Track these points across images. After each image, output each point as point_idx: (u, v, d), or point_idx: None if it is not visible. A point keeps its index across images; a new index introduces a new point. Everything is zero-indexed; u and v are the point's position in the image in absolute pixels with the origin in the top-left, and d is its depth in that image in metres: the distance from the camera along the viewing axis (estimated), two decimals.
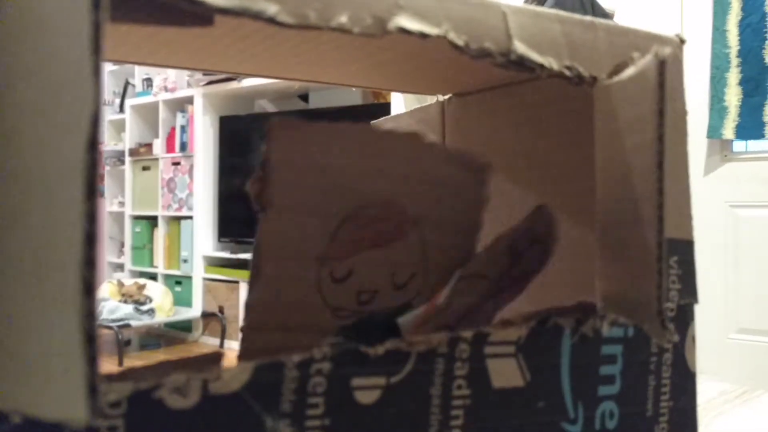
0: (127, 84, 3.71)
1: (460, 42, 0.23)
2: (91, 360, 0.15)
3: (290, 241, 0.28)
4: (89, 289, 0.14)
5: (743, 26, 1.89)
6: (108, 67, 3.71)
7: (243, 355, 0.28)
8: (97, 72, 0.14)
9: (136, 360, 2.87)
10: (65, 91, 0.15)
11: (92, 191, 0.14)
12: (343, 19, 0.21)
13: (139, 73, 3.60)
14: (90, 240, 0.14)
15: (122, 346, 2.76)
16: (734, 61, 1.90)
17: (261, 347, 0.28)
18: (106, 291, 2.97)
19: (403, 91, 0.43)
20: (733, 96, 1.91)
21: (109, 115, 3.74)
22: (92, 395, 0.15)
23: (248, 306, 0.28)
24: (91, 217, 0.14)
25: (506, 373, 0.24)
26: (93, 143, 0.14)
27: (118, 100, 3.74)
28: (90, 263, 0.14)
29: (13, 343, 0.16)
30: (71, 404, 0.15)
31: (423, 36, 0.22)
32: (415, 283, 0.30)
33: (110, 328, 2.77)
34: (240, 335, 0.28)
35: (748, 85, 1.88)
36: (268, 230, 0.27)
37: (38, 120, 0.15)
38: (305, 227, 0.28)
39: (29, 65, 0.15)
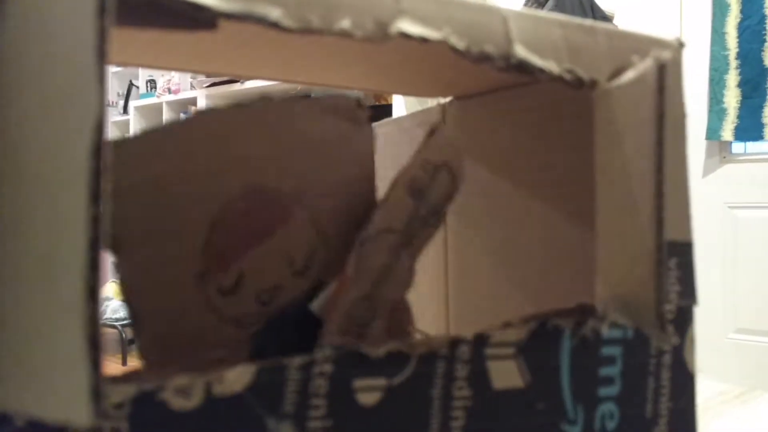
0: (130, 85, 3.71)
1: (461, 46, 0.23)
2: (95, 363, 0.15)
3: (156, 271, 0.25)
4: (93, 293, 0.15)
5: (742, 28, 1.89)
6: (112, 69, 3.71)
7: None
8: (101, 78, 0.15)
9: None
10: (70, 96, 0.15)
11: (96, 196, 0.14)
12: (346, 23, 0.21)
13: (143, 74, 3.60)
14: (94, 245, 0.14)
15: (126, 345, 2.76)
16: (733, 63, 1.90)
17: None
18: (110, 290, 2.97)
19: (404, 94, 0.43)
20: (732, 98, 1.91)
21: (113, 116, 3.74)
22: (96, 397, 0.15)
23: (141, 353, 0.25)
24: (95, 222, 0.14)
25: (506, 374, 0.24)
26: (97, 149, 0.14)
27: (121, 102, 3.74)
28: (94, 268, 0.14)
29: (18, 345, 0.16)
30: (75, 406, 0.15)
31: (424, 40, 0.22)
32: (316, 263, 0.28)
33: (114, 327, 2.76)
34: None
35: (747, 86, 1.88)
36: (128, 268, 0.24)
37: (43, 125, 0.15)
38: (171, 250, 0.25)
39: (35, 71, 0.15)
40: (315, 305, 0.27)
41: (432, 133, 0.29)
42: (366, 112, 0.29)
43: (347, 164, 0.28)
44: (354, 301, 0.27)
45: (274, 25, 0.20)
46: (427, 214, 0.28)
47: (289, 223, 0.27)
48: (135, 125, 3.54)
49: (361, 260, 0.27)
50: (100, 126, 0.15)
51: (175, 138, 0.25)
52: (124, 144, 0.24)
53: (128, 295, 0.25)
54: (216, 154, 0.25)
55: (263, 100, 0.26)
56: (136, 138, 0.24)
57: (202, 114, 0.25)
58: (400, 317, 0.29)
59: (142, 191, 0.24)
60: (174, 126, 0.25)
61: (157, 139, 0.25)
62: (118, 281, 0.25)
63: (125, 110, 3.67)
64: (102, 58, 0.15)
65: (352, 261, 0.27)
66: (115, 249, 0.24)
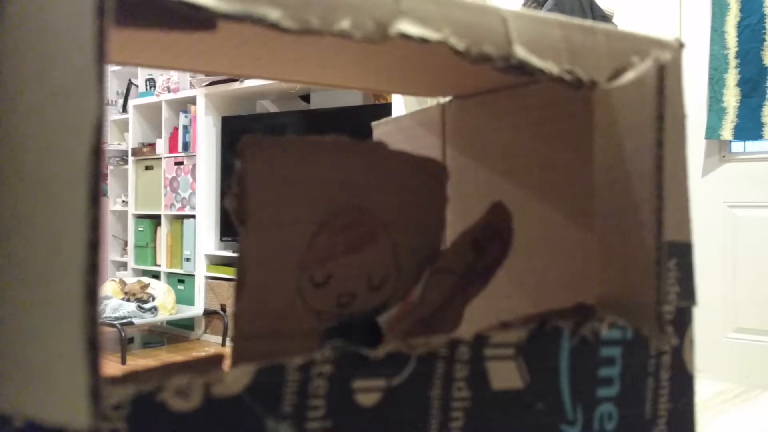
0: (130, 84, 3.71)
1: (460, 47, 0.23)
2: (94, 365, 0.15)
3: (270, 252, 0.29)
4: (92, 295, 0.15)
5: (741, 27, 1.89)
6: (111, 68, 3.71)
7: (235, 364, 0.28)
8: (101, 79, 0.15)
9: (139, 358, 2.87)
10: (69, 97, 0.15)
11: (96, 197, 0.14)
12: (345, 24, 0.21)
13: (142, 73, 3.60)
14: (93, 246, 0.14)
15: (125, 344, 2.76)
16: (732, 62, 1.90)
17: (252, 354, 0.29)
18: (110, 289, 2.98)
19: (403, 94, 0.43)
20: (731, 97, 1.91)
21: (112, 115, 3.75)
22: (95, 399, 0.15)
23: (236, 315, 0.29)
24: (94, 224, 0.14)
25: (506, 375, 0.24)
26: (97, 149, 0.14)
27: (121, 101, 3.74)
28: (93, 269, 0.14)
29: (17, 347, 0.16)
30: (74, 408, 0.15)
31: (424, 41, 0.22)
32: (389, 284, 0.32)
33: (113, 326, 2.77)
34: (231, 344, 0.29)
35: (747, 86, 1.89)
36: (249, 242, 0.28)
37: (42, 126, 0.15)
38: (283, 237, 0.29)
39: (34, 71, 0.15)
40: (382, 318, 0.32)
41: (496, 205, 0.35)
42: (447, 176, 0.35)
43: (426, 213, 0.34)
44: (413, 322, 0.32)
45: (274, 26, 0.20)
46: (480, 269, 0.34)
47: (375, 245, 0.32)
48: (134, 124, 3.54)
49: (425, 290, 0.32)
50: (99, 126, 0.15)
51: (311, 149, 0.30)
52: (269, 142, 0.29)
53: (240, 265, 0.29)
54: (334, 171, 0.30)
55: (378, 144, 0.33)
56: (281, 140, 0.29)
57: (338, 137, 0.30)
58: None
59: (274, 183, 0.29)
60: (310, 139, 0.30)
61: (300, 145, 0.30)
62: (236, 251, 0.29)
63: (124, 109, 3.67)
64: (101, 58, 0.14)
65: (417, 290, 0.32)
66: (242, 222, 0.28)
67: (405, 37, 0.22)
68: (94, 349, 0.15)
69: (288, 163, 0.29)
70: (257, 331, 0.29)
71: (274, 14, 0.20)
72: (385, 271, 0.32)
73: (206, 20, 0.20)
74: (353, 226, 0.31)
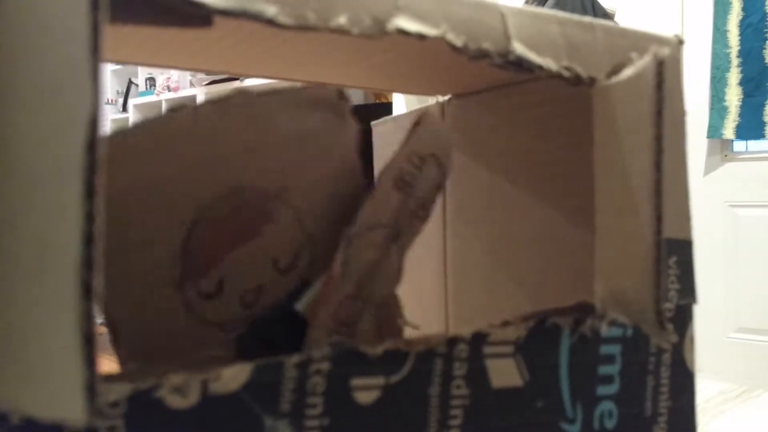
0: (130, 83, 3.71)
1: (458, 43, 0.23)
2: (90, 361, 0.15)
3: (134, 282, 0.24)
4: (87, 290, 0.15)
5: (744, 26, 1.88)
6: (111, 67, 3.72)
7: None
8: (95, 73, 0.14)
9: None
10: (64, 92, 0.15)
11: (91, 192, 0.14)
12: (342, 20, 0.21)
13: (142, 72, 3.60)
14: (89, 241, 0.14)
15: None
16: (735, 61, 1.90)
17: None
18: None
19: (402, 92, 0.43)
20: (733, 96, 1.90)
21: (112, 114, 3.75)
22: (91, 396, 0.15)
23: (122, 366, 0.24)
24: (89, 219, 0.14)
25: (505, 372, 0.24)
26: (92, 144, 0.14)
27: (121, 100, 3.75)
28: (88, 264, 0.14)
29: (12, 342, 0.16)
30: (70, 405, 0.15)
31: (421, 37, 0.22)
32: (302, 259, 0.27)
33: None
34: None
35: (749, 85, 1.88)
36: (105, 282, 0.21)
37: (37, 121, 0.15)
38: (147, 257, 0.24)
39: (28, 66, 0.15)
40: (300, 305, 0.27)
41: (418, 123, 0.28)
42: (348, 104, 0.27)
43: (330, 159, 0.27)
44: (342, 299, 0.26)
45: (271, 22, 0.20)
46: (415, 207, 0.28)
47: (273, 222, 0.26)
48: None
49: (348, 258, 0.26)
50: (94, 121, 0.15)
51: (146, 140, 0.23)
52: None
53: (105, 306, 0.24)
54: (192, 155, 0.24)
55: (240, 94, 0.25)
56: (110, 139, 0.23)
57: (173, 112, 0.24)
58: (389, 312, 0.28)
59: (117, 196, 0.23)
60: (144, 127, 0.23)
61: (127, 141, 0.23)
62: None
63: (124, 108, 3.68)
64: (96, 53, 0.14)
65: (338, 259, 0.26)
66: None
67: (403, 33, 0.22)
68: (89, 345, 0.15)
69: (126, 167, 0.22)
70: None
71: (270, 10, 0.20)
72: (293, 248, 0.26)
73: (202, 17, 0.20)
74: (236, 211, 0.25)
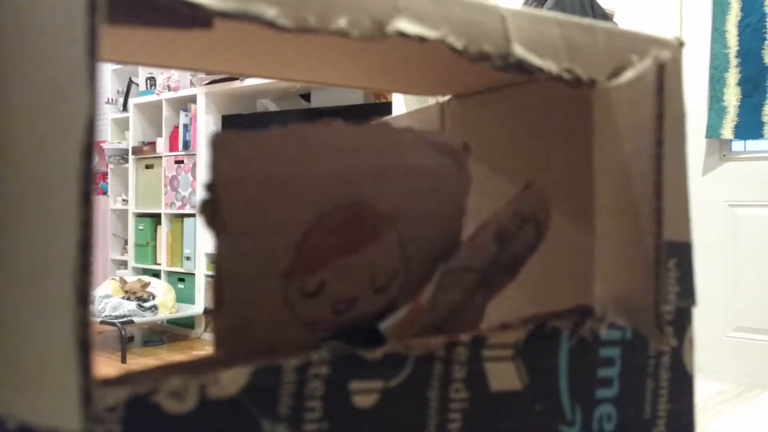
0: (130, 83, 3.71)
1: (458, 45, 0.23)
2: (85, 367, 0.15)
3: (251, 262, 0.25)
4: (83, 296, 0.14)
5: (742, 26, 1.89)
6: (111, 66, 3.72)
7: None
8: (92, 77, 0.14)
9: (139, 356, 2.88)
10: (61, 95, 0.15)
11: (87, 197, 0.14)
12: (342, 22, 0.21)
13: (143, 72, 3.60)
14: (84, 247, 0.14)
15: (125, 343, 2.77)
16: (733, 61, 1.90)
17: None
18: (110, 288, 2.98)
19: (402, 92, 0.42)
20: (732, 96, 1.91)
21: (112, 113, 3.75)
22: (86, 402, 0.15)
23: (216, 336, 0.26)
24: (85, 224, 0.14)
25: (504, 376, 0.24)
26: (88, 149, 0.14)
27: (121, 99, 3.75)
28: (84, 269, 0.14)
29: (8, 349, 0.16)
30: (65, 411, 0.15)
31: (422, 39, 0.22)
32: (396, 284, 0.28)
33: (113, 324, 2.77)
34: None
35: (747, 85, 1.88)
36: (226, 254, 0.25)
37: (33, 125, 0.15)
38: (265, 245, 0.25)
39: (25, 69, 0.15)
40: (384, 325, 0.28)
41: (527, 186, 0.30)
42: (470, 156, 0.30)
43: (442, 199, 0.29)
44: (423, 329, 0.28)
45: (270, 24, 0.20)
46: (507, 262, 0.29)
47: (379, 242, 0.27)
48: (134, 122, 3.54)
49: (438, 291, 0.28)
50: (91, 125, 0.14)
51: (292, 141, 0.26)
52: (243, 138, 0.25)
53: (218, 278, 0.25)
54: (326, 164, 0.26)
55: (382, 125, 0.28)
56: (257, 134, 0.25)
57: (323, 123, 0.26)
58: None
59: (252, 184, 0.25)
60: (294, 129, 0.26)
61: (275, 139, 0.25)
62: (213, 263, 0.26)
63: (125, 107, 3.68)
64: (93, 56, 0.14)
65: (429, 290, 0.28)
66: (218, 231, 0.25)
67: (403, 35, 0.22)
68: (85, 350, 0.15)
69: (268, 161, 0.25)
70: (241, 351, 0.26)
71: (270, 12, 0.20)
72: (391, 270, 0.28)
73: (202, 19, 0.20)
74: (351, 223, 0.27)
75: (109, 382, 0.21)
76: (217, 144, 0.24)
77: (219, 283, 0.25)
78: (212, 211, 0.24)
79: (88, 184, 0.14)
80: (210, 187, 0.25)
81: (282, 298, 0.26)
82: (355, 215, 0.27)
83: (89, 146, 0.14)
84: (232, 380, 0.20)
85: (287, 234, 0.26)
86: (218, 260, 0.25)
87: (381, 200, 0.27)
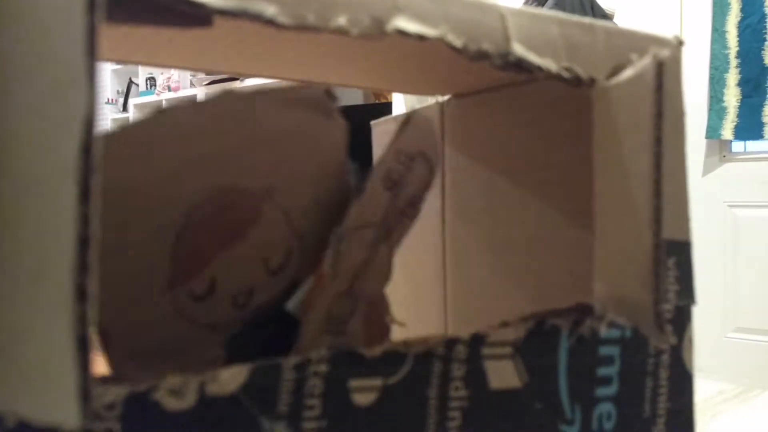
0: (130, 83, 3.71)
1: (458, 44, 0.23)
2: (84, 364, 0.15)
3: (124, 285, 0.23)
4: (82, 293, 0.14)
5: (742, 27, 1.89)
6: (111, 66, 3.72)
7: None
8: (91, 74, 0.14)
9: None
10: (59, 93, 0.15)
11: (86, 194, 0.14)
12: (342, 20, 0.21)
13: (143, 72, 3.60)
14: (83, 244, 0.14)
15: None
16: (733, 61, 1.90)
17: None
18: None
19: (402, 92, 0.42)
20: (732, 96, 1.91)
21: (112, 114, 3.75)
22: (85, 399, 0.15)
23: (113, 368, 0.24)
24: (84, 220, 0.14)
25: (503, 374, 0.24)
26: (87, 146, 0.14)
27: (121, 100, 3.75)
28: (83, 266, 0.14)
29: (7, 345, 0.16)
30: (64, 408, 0.15)
31: (421, 38, 0.22)
32: (292, 260, 0.26)
33: None
34: None
35: (747, 85, 1.88)
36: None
37: (32, 122, 0.15)
38: (137, 260, 0.23)
39: (23, 67, 0.15)
40: (291, 304, 0.26)
41: (406, 122, 0.28)
42: (336, 103, 0.27)
43: (318, 158, 0.27)
44: (332, 298, 0.26)
45: (270, 22, 0.20)
46: (404, 205, 0.27)
47: (261, 223, 0.25)
48: None
49: (338, 257, 0.26)
50: (90, 122, 0.14)
51: (131, 142, 0.23)
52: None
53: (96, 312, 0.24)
54: (178, 156, 0.24)
55: (223, 95, 0.24)
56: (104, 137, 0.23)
57: (159, 113, 0.23)
58: (377, 310, 0.28)
59: (102, 200, 0.23)
60: (128, 129, 0.23)
61: (110, 147, 0.22)
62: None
63: (125, 108, 3.68)
64: (92, 54, 0.14)
65: (328, 258, 0.26)
66: None
67: (402, 33, 0.22)
68: (84, 348, 0.15)
69: (115, 168, 0.22)
70: (140, 377, 0.23)
71: (270, 10, 0.20)
72: (283, 248, 0.26)
73: (202, 17, 0.20)
74: (225, 210, 0.24)
75: (108, 380, 0.21)
76: None
77: (99, 313, 0.23)
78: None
79: (88, 181, 0.14)
80: (85, 199, 0.22)
81: (173, 310, 0.24)
82: (226, 202, 0.24)
83: (88, 144, 0.14)
84: (231, 378, 0.20)
85: (157, 242, 0.24)
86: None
87: (251, 178, 0.25)
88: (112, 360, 0.24)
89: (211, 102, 0.24)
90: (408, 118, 0.28)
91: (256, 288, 0.26)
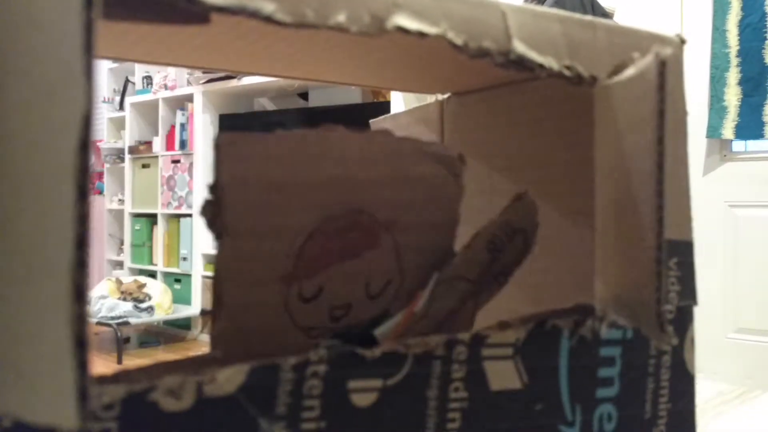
0: (127, 82, 3.71)
1: (458, 41, 0.23)
2: (82, 364, 0.14)
3: (251, 265, 0.25)
4: (80, 292, 0.14)
5: (743, 26, 1.88)
6: (108, 65, 3.72)
7: None
8: (88, 72, 0.14)
9: (135, 358, 2.88)
10: (57, 91, 0.14)
11: (83, 193, 0.14)
12: (341, 17, 0.21)
13: (139, 70, 3.60)
14: (81, 243, 0.14)
15: (121, 344, 2.77)
16: (734, 60, 1.90)
17: None
18: (106, 289, 2.98)
19: (402, 90, 0.42)
20: (732, 96, 1.90)
21: (109, 112, 3.75)
22: (82, 399, 0.15)
23: (213, 339, 0.26)
24: (82, 220, 0.14)
25: (504, 375, 0.24)
26: (84, 144, 0.14)
27: (118, 98, 3.74)
28: (81, 266, 0.14)
29: (4, 345, 0.15)
30: (62, 408, 0.15)
31: (421, 35, 0.22)
32: (390, 290, 0.29)
33: (109, 325, 2.77)
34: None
35: (748, 85, 1.88)
36: (227, 256, 0.25)
37: (29, 121, 0.15)
38: (266, 249, 0.26)
39: (20, 65, 0.15)
40: (378, 331, 0.28)
41: (519, 198, 0.31)
42: (464, 167, 0.31)
43: (437, 208, 0.30)
44: (416, 335, 0.28)
45: (268, 19, 0.19)
46: (497, 272, 0.30)
47: (376, 249, 0.28)
48: (131, 121, 3.54)
49: (431, 299, 0.29)
50: (87, 121, 0.14)
51: (296, 146, 0.26)
52: (248, 141, 0.25)
53: (217, 282, 0.26)
54: (327, 169, 0.27)
55: (383, 133, 0.28)
56: (261, 137, 0.25)
57: (325, 129, 0.27)
58: None
59: (255, 188, 0.25)
60: (297, 134, 0.26)
61: (280, 143, 0.26)
62: (213, 266, 0.26)
63: (121, 106, 3.68)
64: (89, 51, 0.14)
65: (422, 297, 0.29)
66: (219, 236, 0.25)
67: (402, 30, 0.22)
68: (81, 348, 0.14)
69: (272, 164, 0.25)
70: (238, 355, 0.25)
71: (268, 7, 0.19)
72: (386, 277, 0.28)
73: (199, 13, 0.20)
74: (350, 229, 0.27)
75: (105, 380, 0.21)
76: (221, 146, 0.24)
77: (218, 285, 0.26)
78: (214, 213, 0.24)
79: (84, 181, 0.14)
80: (213, 188, 0.25)
81: (281, 303, 0.26)
82: (354, 221, 0.27)
83: (85, 142, 0.14)
84: (229, 379, 0.19)
85: (288, 238, 0.26)
86: (218, 263, 0.25)
87: (379, 207, 0.28)
88: (215, 329, 0.26)
89: (369, 134, 0.29)
90: (520, 195, 0.31)
91: (354, 306, 0.28)
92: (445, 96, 0.42)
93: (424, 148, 0.30)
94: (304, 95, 3.11)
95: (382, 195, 0.28)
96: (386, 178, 0.28)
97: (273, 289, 0.26)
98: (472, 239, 0.30)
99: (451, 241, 0.30)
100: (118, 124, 3.69)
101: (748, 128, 1.88)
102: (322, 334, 0.28)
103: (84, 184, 0.14)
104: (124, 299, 2.95)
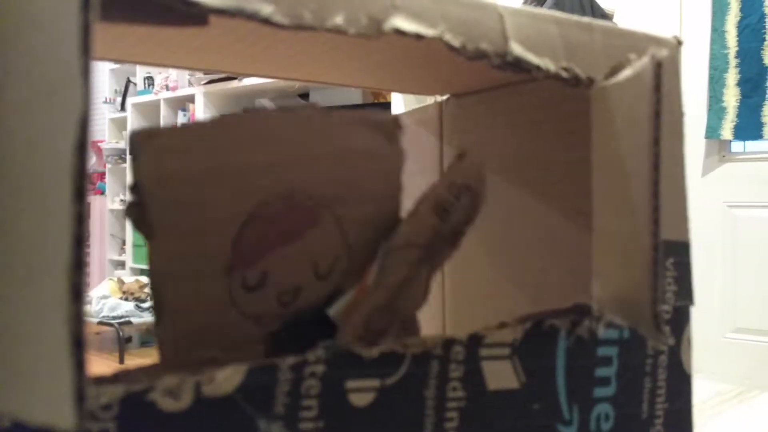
0: (128, 82, 3.71)
1: (456, 43, 0.23)
2: (79, 364, 0.15)
3: (187, 262, 0.25)
4: (77, 293, 0.14)
5: (742, 27, 1.89)
6: (109, 66, 3.72)
7: None
8: (86, 73, 0.14)
9: (137, 357, 2.88)
10: (54, 92, 0.15)
11: (81, 194, 0.14)
12: (339, 19, 0.21)
13: (141, 71, 3.61)
14: (78, 243, 0.14)
15: (123, 344, 2.77)
16: (733, 61, 1.90)
17: None
18: (107, 288, 2.98)
19: (400, 92, 0.42)
20: (731, 96, 1.91)
21: (110, 113, 3.75)
22: (80, 400, 0.15)
23: (160, 343, 0.25)
24: (79, 220, 0.14)
25: (501, 375, 0.24)
26: (82, 145, 0.14)
27: (119, 99, 3.75)
28: (78, 267, 0.14)
29: (2, 346, 0.16)
30: (59, 408, 0.15)
31: (419, 37, 0.22)
32: (339, 268, 0.28)
33: (111, 325, 2.77)
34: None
35: (747, 85, 1.88)
36: (159, 257, 0.24)
37: (27, 121, 0.15)
38: (200, 243, 0.25)
39: (17, 66, 0.15)
40: (332, 310, 0.28)
41: (461, 156, 0.30)
42: (401, 132, 0.29)
43: (377, 178, 0.29)
44: (372, 309, 0.28)
45: (266, 21, 0.20)
46: (448, 233, 0.29)
47: (317, 228, 0.27)
48: (132, 122, 3.55)
49: (383, 271, 0.28)
50: (84, 122, 0.14)
51: (218, 133, 0.25)
52: (165, 134, 0.24)
53: (155, 285, 0.25)
54: (256, 154, 0.26)
55: (308, 108, 0.27)
56: (179, 129, 0.25)
57: (247, 113, 0.26)
58: (409, 329, 0.30)
59: (180, 183, 0.24)
60: (218, 121, 0.25)
61: (200, 132, 0.25)
62: (148, 269, 0.25)
63: (123, 107, 3.68)
64: (86, 52, 0.14)
65: (373, 270, 0.28)
66: (149, 237, 0.24)
67: (400, 33, 0.22)
68: (79, 348, 0.14)
69: (196, 155, 0.24)
70: (188, 357, 0.25)
71: (266, 9, 0.19)
72: (332, 255, 0.28)
73: (198, 15, 0.20)
74: (288, 211, 0.26)
75: (103, 380, 0.21)
76: (137, 141, 0.23)
77: (156, 288, 0.25)
78: (139, 213, 0.23)
79: (82, 181, 0.14)
80: (134, 188, 0.24)
81: (226, 296, 0.26)
82: (291, 203, 0.26)
83: (83, 142, 0.14)
84: (227, 378, 0.20)
85: (222, 229, 0.25)
86: (152, 265, 0.24)
87: (316, 185, 0.27)
88: (159, 334, 0.25)
89: (294, 112, 0.27)
90: (462, 153, 0.30)
91: (303, 289, 0.27)
92: (444, 97, 0.42)
93: (354, 118, 0.28)
94: (304, 96, 3.11)
95: (318, 172, 0.27)
96: (320, 154, 0.27)
97: (215, 283, 0.25)
98: (417, 204, 0.29)
99: (396, 209, 0.30)
100: (120, 125, 3.69)
101: (746, 129, 1.89)
102: (272, 322, 0.27)
103: (82, 184, 0.14)
104: (126, 299, 2.95)
